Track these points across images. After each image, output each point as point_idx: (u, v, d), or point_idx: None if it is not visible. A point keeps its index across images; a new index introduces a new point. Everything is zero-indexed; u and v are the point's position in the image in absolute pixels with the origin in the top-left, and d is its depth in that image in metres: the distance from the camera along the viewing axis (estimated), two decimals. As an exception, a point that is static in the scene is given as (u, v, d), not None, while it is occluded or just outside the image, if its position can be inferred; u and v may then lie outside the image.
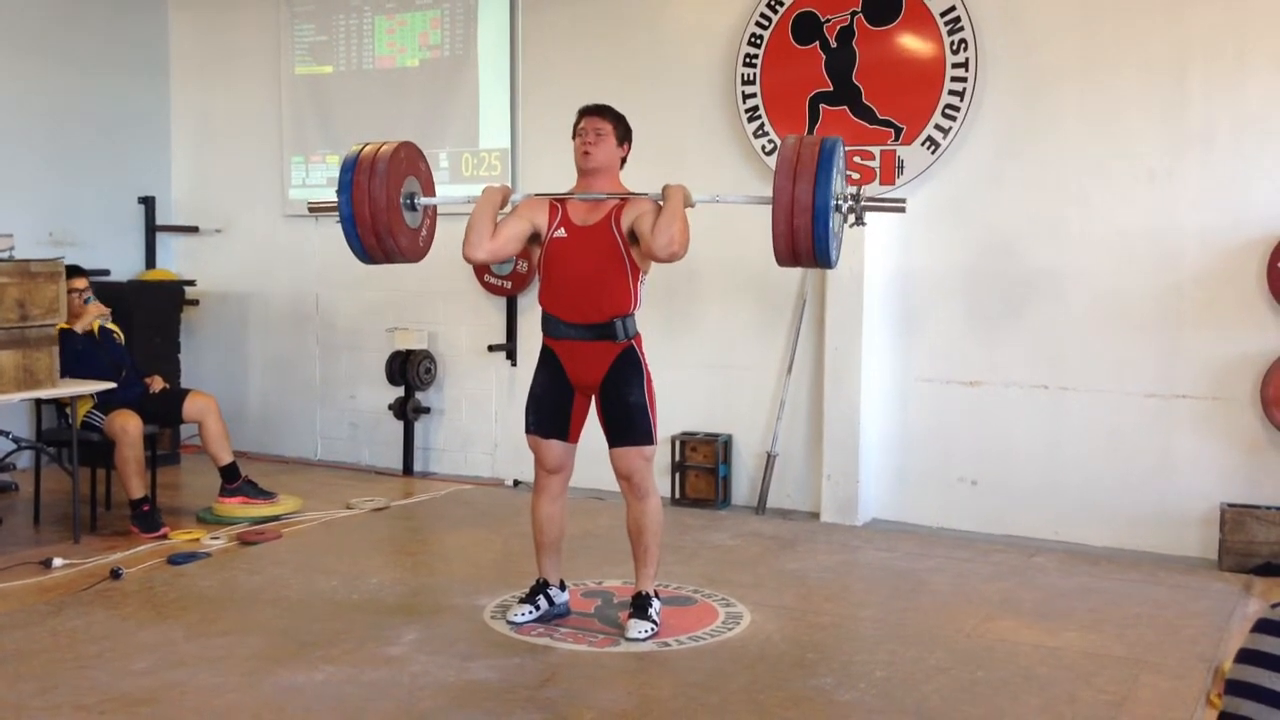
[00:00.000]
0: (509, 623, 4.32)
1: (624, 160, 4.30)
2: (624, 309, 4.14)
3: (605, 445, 4.25)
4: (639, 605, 4.29)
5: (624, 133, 4.27)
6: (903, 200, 4.23)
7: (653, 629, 4.22)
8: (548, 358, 4.28)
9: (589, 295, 4.13)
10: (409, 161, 4.32)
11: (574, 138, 4.24)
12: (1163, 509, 5.51)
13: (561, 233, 4.15)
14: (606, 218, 4.14)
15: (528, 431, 4.32)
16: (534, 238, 4.22)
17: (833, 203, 3.82)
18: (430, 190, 4.45)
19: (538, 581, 4.43)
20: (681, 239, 3.98)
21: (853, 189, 4.01)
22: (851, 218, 4.00)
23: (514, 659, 4.00)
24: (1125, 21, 5.53)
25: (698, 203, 4.13)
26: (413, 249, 4.34)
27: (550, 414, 4.27)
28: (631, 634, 4.19)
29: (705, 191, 4.25)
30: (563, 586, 4.48)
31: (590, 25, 6.78)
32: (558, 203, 4.22)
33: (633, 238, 4.10)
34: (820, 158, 3.80)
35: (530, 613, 4.34)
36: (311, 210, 4.65)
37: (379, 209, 4.13)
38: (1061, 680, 3.84)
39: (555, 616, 4.39)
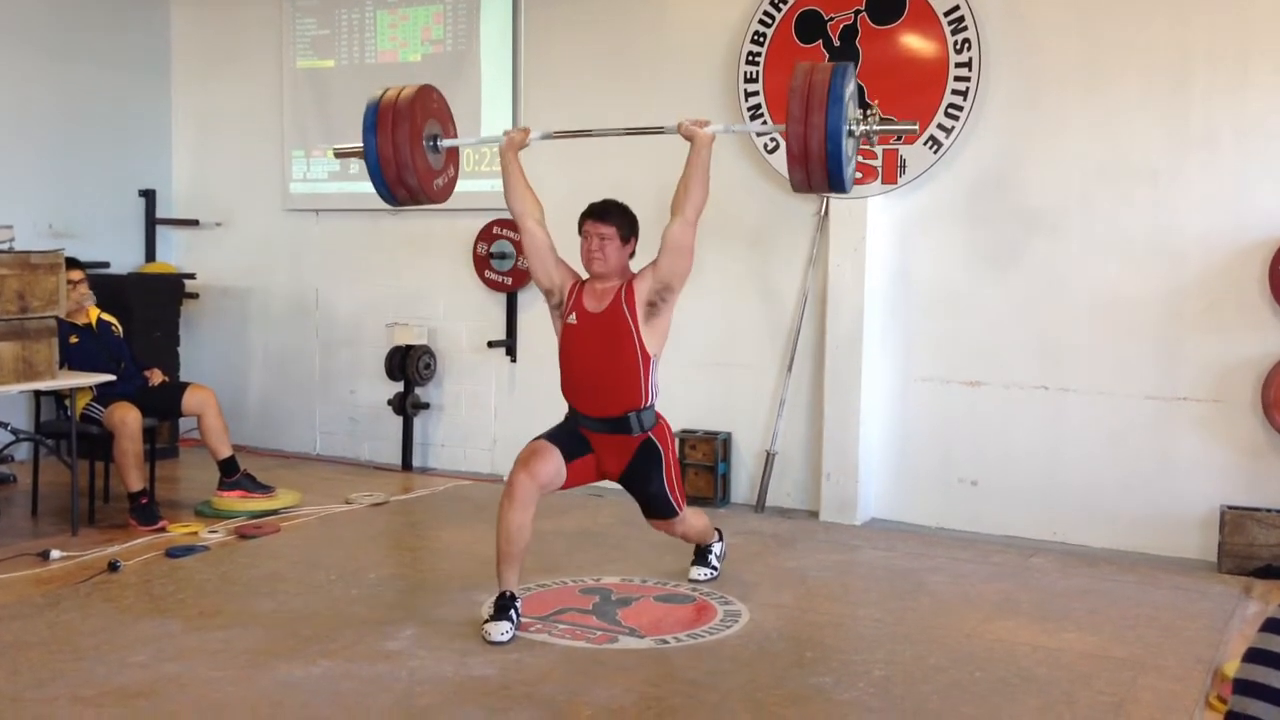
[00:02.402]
0: (491, 644, 4.05)
1: (632, 254, 4.31)
2: (636, 404, 4.21)
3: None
4: (700, 553, 4.75)
5: (629, 230, 4.27)
6: (914, 123, 4.45)
7: (713, 574, 4.72)
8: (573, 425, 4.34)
9: (603, 389, 4.21)
10: (439, 103, 4.57)
11: (579, 234, 4.28)
12: (1162, 511, 5.50)
13: (573, 319, 4.20)
14: (616, 298, 4.18)
15: (537, 439, 4.27)
16: (550, 294, 4.30)
17: (845, 127, 3.94)
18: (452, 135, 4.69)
19: (506, 595, 4.16)
20: (700, 194, 4.19)
21: (861, 114, 4.15)
22: (863, 141, 4.21)
23: (512, 655, 3.99)
24: (1129, 23, 5.53)
25: (714, 132, 4.29)
26: (429, 186, 4.50)
27: (566, 441, 4.26)
28: (693, 576, 4.73)
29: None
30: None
31: (593, 20, 6.76)
32: (578, 280, 4.29)
33: (649, 306, 4.19)
34: (831, 83, 3.93)
35: (509, 630, 4.10)
36: (337, 156, 4.87)
37: (402, 143, 4.33)
38: (1060, 681, 3.83)
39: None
